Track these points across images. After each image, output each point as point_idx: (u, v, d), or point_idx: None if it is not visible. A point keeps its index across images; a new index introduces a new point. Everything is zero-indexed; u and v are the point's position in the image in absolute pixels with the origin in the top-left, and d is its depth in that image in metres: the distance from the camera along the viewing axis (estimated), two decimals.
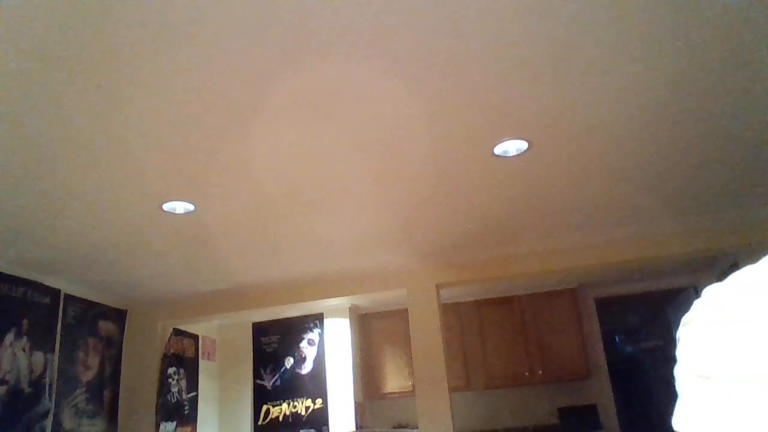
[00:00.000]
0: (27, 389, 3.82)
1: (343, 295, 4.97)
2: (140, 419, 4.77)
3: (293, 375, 5.70)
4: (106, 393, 4.66)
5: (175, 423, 5.07)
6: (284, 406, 5.63)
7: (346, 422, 5.40)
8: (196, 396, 5.49)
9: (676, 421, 0.50)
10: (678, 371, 0.51)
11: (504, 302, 5.88)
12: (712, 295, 0.52)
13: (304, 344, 5.75)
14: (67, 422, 4.17)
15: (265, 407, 5.69)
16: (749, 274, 0.50)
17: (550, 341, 5.68)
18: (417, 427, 4.51)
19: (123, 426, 4.75)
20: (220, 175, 2.85)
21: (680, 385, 0.51)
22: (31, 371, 3.88)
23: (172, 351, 5.18)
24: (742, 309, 0.47)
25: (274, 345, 5.85)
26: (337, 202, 3.31)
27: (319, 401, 5.53)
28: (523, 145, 2.78)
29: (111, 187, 2.86)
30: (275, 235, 3.74)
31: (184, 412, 5.25)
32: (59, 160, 2.55)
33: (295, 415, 5.57)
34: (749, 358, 0.45)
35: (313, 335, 5.74)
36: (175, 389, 5.15)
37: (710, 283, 0.59)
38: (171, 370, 5.12)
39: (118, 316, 4.94)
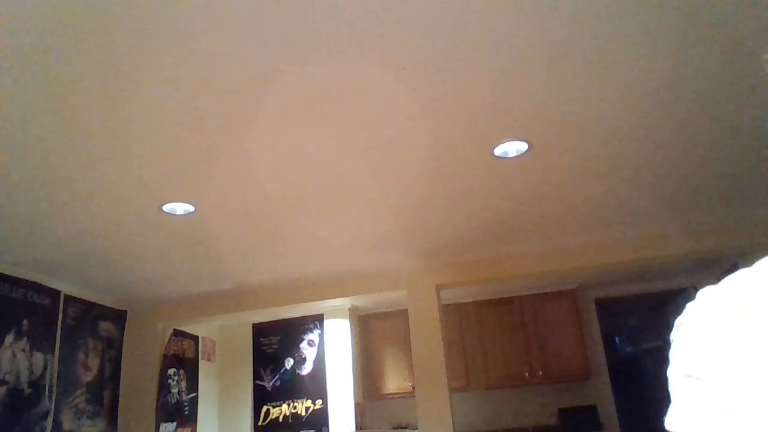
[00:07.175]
0: (27, 390, 3.82)
1: (343, 296, 4.97)
2: (140, 420, 4.77)
3: (293, 376, 5.70)
4: (106, 394, 4.66)
5: (175, 424, 5.07)
6: (284, 406, 5.63)
7: (346, 423, 5.40)
8: (196, 397, 5.48)
9: (668, 421, 0.50)
10: (670, 372, 0.52)
11: (504, 303, 5.88)
12: (704, 296, 0.52)
13: (304, 345, 5.75)
14: (67, 423, 4.17)
15: (265, 408, 5.69)
16: (742, 276, 0.50)
17: (550, 342, 5.68)
18: (417, 428, 4.51)
19: (123, 427, 4.74)
20: (220, 176, 2.85)
21: (672, 386, 0.51)
22: (31, 372, 3.88)
23: (172, 352, 5.18)
24: (732, 307, 0.48)
25: (274, 346, 5.85)
26: (337, 203, 3.31)
27: (319, 402, 5.53)
28: (523, 146, 2.78)
29: (111, 188, 2.86)
30: (275, 236, 3.74)
31: (184, 412, 5.25)
32: (59, 161, 2.55)
33: (295, 416, 5.56)
34: (739, 356, 0.45)
35: (313, 336, 5.74)
36: (175, 390, 5.15)
37: (710, 283, 0.60)
38: (171, 371, 5.12)
39: (118, 316, 4.94)
